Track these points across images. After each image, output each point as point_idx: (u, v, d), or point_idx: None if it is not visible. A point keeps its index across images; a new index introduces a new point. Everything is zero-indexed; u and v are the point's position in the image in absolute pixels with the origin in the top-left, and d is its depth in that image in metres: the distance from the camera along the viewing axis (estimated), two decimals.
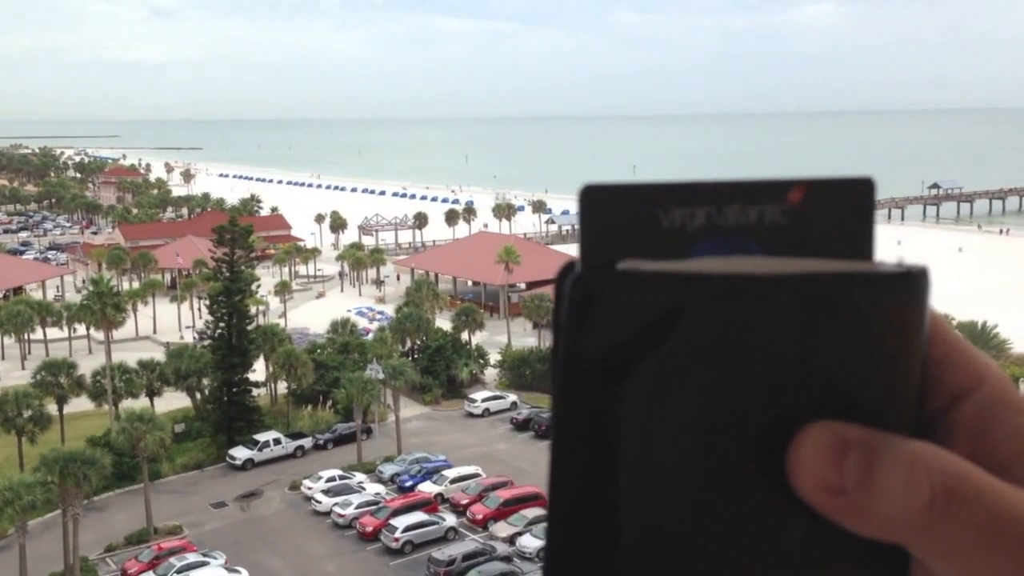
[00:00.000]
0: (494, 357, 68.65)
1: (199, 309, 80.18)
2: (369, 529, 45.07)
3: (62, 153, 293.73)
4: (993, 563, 0.58)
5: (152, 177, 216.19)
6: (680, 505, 0.60)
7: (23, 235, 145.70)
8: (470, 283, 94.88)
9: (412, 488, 49.77)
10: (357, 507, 46.89)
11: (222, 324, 59.19)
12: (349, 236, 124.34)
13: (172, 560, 42.34)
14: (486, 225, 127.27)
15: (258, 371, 60.83)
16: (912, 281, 0.61)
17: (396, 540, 43.92)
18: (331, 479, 50.13)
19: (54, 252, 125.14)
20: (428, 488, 49.26)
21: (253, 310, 66.09)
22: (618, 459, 0.59)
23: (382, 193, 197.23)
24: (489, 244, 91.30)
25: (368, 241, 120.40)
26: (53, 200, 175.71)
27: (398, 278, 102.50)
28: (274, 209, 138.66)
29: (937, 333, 0.65)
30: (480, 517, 46.26)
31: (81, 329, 73.30)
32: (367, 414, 55.42)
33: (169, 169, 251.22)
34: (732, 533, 0.60)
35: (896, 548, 0.60)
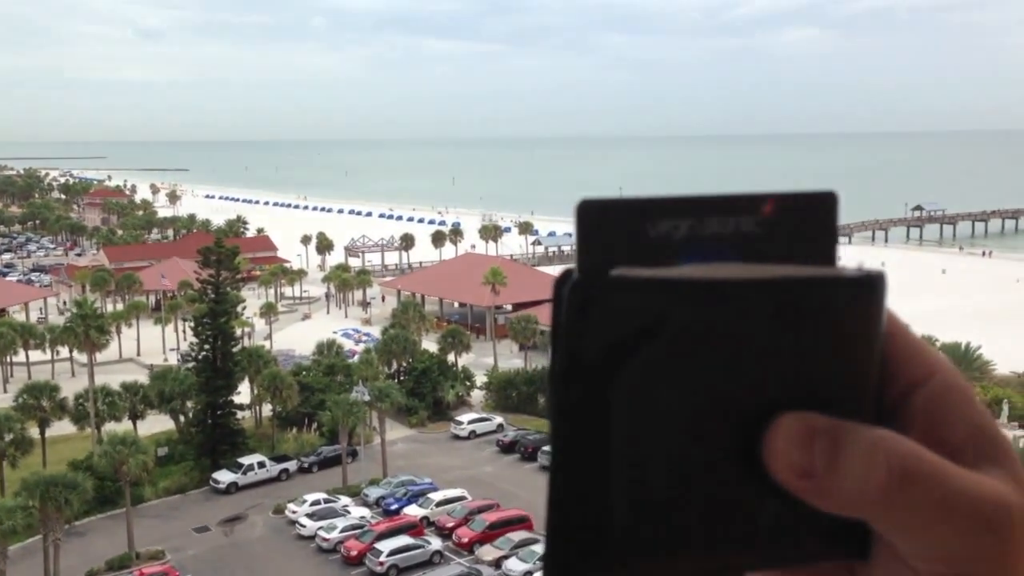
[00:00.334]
0: (480, 379, 68.53)
1: (184, 331, 79.82)
2: (354, 553, 44.76)
3: (47, 174, 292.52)
4: (945, 536, 0.66)
5: (138, 198, 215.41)
6: (665, 486, 0.67)
7: (6, 256, 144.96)
8: (456, 305, 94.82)
9: (397, 511, 49.49)
10: (342, 531, 46.59)
11: (207, 346, 58.91)
12: (335, 257, 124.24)
13: None
14: (473, 246, 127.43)
15: (243, 393, 60.52)
16: (871, 284, 0.68)
17: (381, 564, 43.64)
18: (316, 502, 49.80)
19: (38, 274, 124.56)
20: (413, 511, 48.99)
21: (238, 332, 65.83)
22: (610, 444, 0.66)
23: (368, 214, 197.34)
24: (475, 265, 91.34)
25: (354, 262, 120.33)
26: (37, 221, 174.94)
27: (383, 299, 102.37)
28: (260, 230, 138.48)
29: (893, 330, 0.72)
30: (466, 540, 46.01)
31: (64, 351, 72.80)
32: (352, 436, 55.15)
33: (155, 190, 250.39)
34: (713, 511, 0.68)
35: (859, 524, 0.69)
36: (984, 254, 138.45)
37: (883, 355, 0.71)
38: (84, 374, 64.27)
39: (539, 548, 40.08)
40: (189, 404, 59.09)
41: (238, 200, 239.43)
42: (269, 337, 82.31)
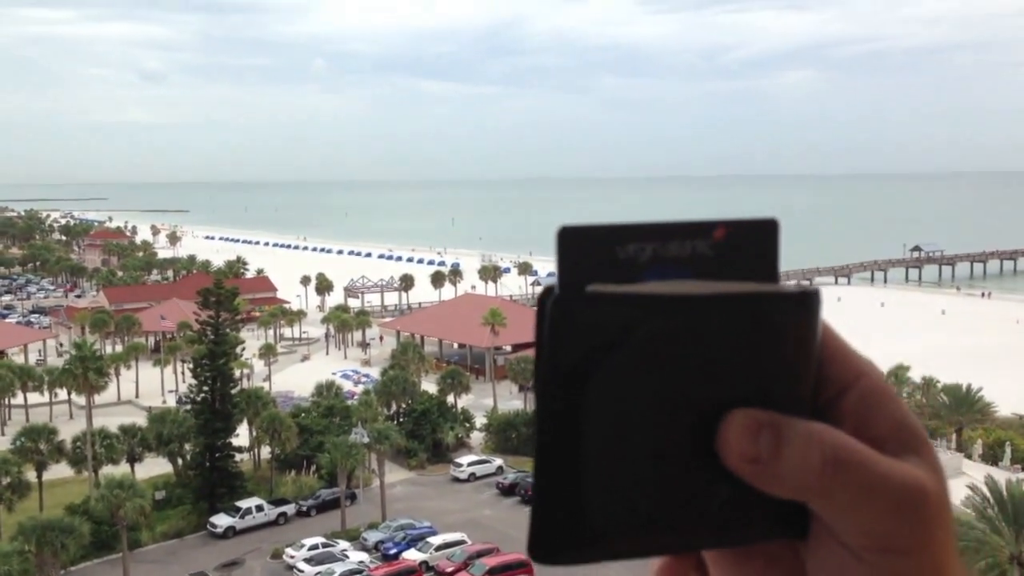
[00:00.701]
0: (480, 420, 68.24)
1: (182, 373, 79.62)
2: None
3: (48, 216, 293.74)
4: (870, 514, 0.80)
5: (138, 240, 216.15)
6: (633, 474, 0.81)
7: (6, 298, 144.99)
8: (456, 345, 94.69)
9: (396, 556, 49.01)
10: None
11: (206, 388, 58.72)
12: (335, 298, 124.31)
13: None
14: (473, 287, 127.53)
15: (241, 435, 60.22)
16: (808, 299, 0.82)
17: None
18: (314, 547, 49.29)
19: (37, 315, 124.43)
20: (413, 556, 48.50)
21: (237, 373, 65.66)
22: (587, 437, 0.80)
23: (368, 255, 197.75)
24: (475, 306, 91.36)
25: (354, 303, 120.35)
26: (38, 263, 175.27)
27: (381, 340, 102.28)
28: (260, 271, 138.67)
29: (827, 339, 0.85)
30: None
31: (63, 394, 72.61)
32: (351, 479, 54.80)
33: (155, 232, 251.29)
34: (674, 496, 0.82)
35: (800, 506, 0.83)
36: (983, 295, 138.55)
37: (819, 360, 0.84)
38: (82, 416, 64.01)
39: None
40: (187, 446, 58.76)
41: (238, 241, 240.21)
42: (268, 378, 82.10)
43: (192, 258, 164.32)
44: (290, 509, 55.63)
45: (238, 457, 58.96)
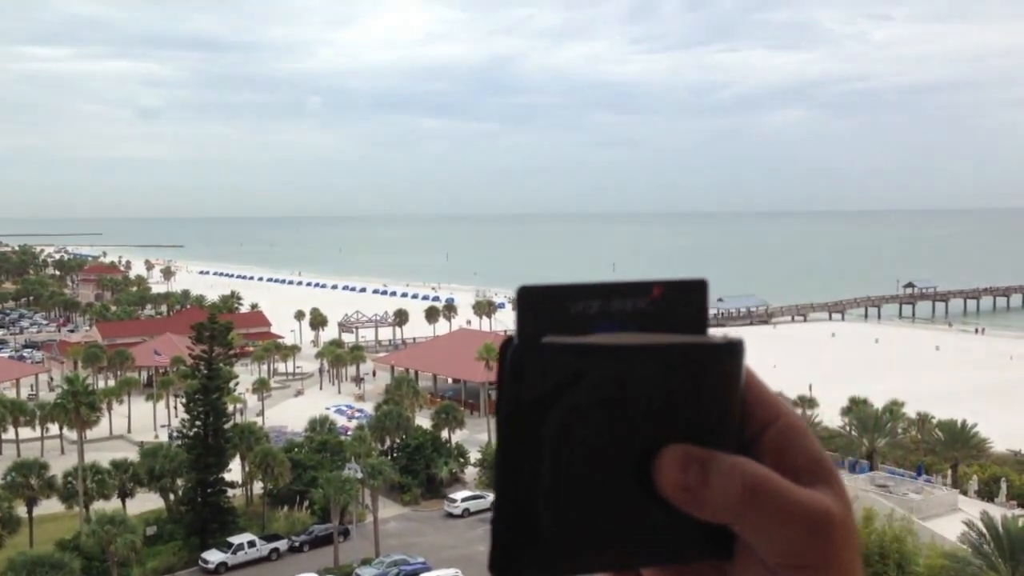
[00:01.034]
0: (474, 455, 67.91)
1: (175, 407, 79.25)
2: None
3: (42, 251, 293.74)
4: (785, 536, 0.94)
5: (132, 274, 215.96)
6: (580, 499, 0.95)
7: None
8: (450, 380, 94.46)
9: None
10: None
11: (198, 423, 58.42)
12: (329, 333, 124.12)
13: None
14: (468, 322, 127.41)
15: (234, 470, 59.83)
16: (734, 348, 0.97)
17: None
18: None
19: (30, 350, 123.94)
20: None
21: (230, 408, 65.32)
22: (541, 467, 0.94)
23: (363, 290, 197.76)
24: (469, 341, 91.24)
25: (348, 338, 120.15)
26: (31, 298, 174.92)
27: (374, 375, 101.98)
28: (254, 306, 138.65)
29: (750, 383, 1.00)
30: None
31: (54, 429, 72.15)
32: (344, 515, 54.39)
33: (149, 266, 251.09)
34: (616, 519, 0.96)
35: (725, 529, 0.96)
36: (977, 331, 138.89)
37: (743, 401, 0.99)
38: (74, 451, 63.58)
39: None
40: (179, 481, 58.34)
41: (232, 276, 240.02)
42: (261, 413, 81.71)
43: (186, 293, 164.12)
44: (283, 545, 55.15)
45: (230, 492, 58.50)
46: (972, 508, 50.46)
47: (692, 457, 0.95)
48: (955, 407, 69.82)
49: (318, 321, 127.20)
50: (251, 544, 54.08)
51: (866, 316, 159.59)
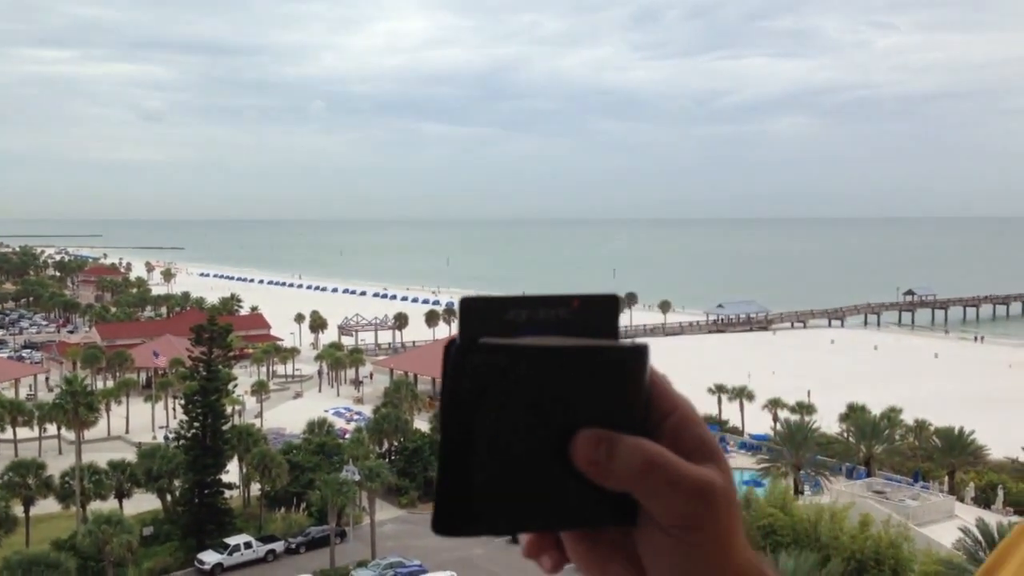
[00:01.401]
0: None
1: (173, 409, 79.28)
2: None
3: (42, 252, 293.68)
4: (676, 502, 1.16)
5: (132, 276, 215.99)
6: (508, 471, 1.15)
7: None
8: None
9: None
10: None
11: (196, 424, 58.45)
12: (329, 336, 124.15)
13: None
14: None
15: (231, 472, 59.84)
16: (640, 351, 1.18)
17: None
18: None
19: (29, 351, 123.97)
20: None
21: (229, 410, 65.34)
22: (475, 447, 1.14)
23: (363, 293, 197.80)
24: None
25: (348, 341, 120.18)
26: (31, 298, 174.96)
27: (371, 377, 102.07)
28: (254, 308, 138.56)
29: (655, 380, 1.21)
30: None
31: (52, 429, 72.16)
32: (341, 517, 54.41)
33: (150, 268, 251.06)
34: (537, 488, 1.16)
35: (630, 498, 1.17)
36: (976, 339, 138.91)
37: (648, 394, 1.20)
38: (71, 452, 63.61)
39: None
40: (177, 482, 58.35)
41: (233, 278, 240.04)
42: (260, 415, 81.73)
43: (186, 295, 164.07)
44: (279, 546, 55.16)
45: (227, 494, 58.52)
46: (968, 515, 50.46)
47: (601, 438, 1.15)
48: (953, 414, 69.81)
49: (318, 324, 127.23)
50: (247, 545, 54.09)
51: (865, 323, 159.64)
